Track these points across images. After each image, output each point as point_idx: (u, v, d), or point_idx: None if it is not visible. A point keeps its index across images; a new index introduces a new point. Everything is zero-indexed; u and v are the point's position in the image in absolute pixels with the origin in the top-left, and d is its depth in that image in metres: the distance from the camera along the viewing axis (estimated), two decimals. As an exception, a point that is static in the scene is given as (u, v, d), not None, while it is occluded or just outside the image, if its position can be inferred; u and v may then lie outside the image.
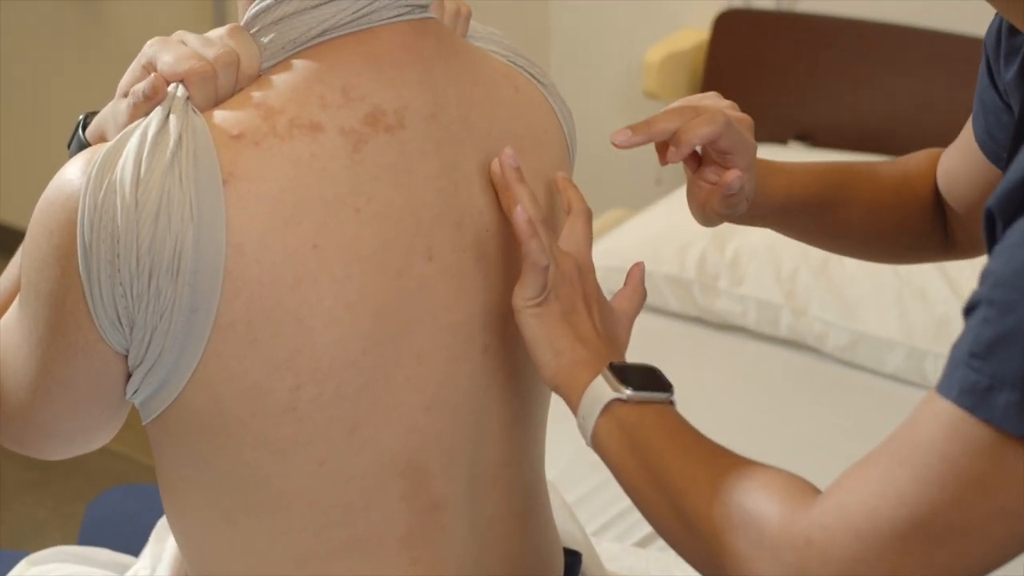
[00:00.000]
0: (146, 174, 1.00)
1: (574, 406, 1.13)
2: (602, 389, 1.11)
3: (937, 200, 1.45)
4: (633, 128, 1.24)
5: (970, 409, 0.88)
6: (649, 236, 2.74)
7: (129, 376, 1.09)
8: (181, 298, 1.02)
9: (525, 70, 1.23)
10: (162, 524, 1.49)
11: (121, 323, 1.04)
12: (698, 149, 1.28)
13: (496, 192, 1.16)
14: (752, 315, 2.54)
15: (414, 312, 1.11)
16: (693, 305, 2.62)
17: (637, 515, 1.94)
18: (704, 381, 2.41)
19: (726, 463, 1.06)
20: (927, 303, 2.42)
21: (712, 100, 1.30)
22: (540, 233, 1.10)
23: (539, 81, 1.24)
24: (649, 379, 1.12)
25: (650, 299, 2.63)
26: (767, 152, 3.00)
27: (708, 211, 1.30)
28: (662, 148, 1.27)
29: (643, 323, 2.70)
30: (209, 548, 1.18)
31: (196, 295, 1.02)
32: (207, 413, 1.07)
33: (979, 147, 1.35)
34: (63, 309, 1.05)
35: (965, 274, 2.43)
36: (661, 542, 1.88)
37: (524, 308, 1.12)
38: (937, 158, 1.46)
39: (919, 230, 1.46)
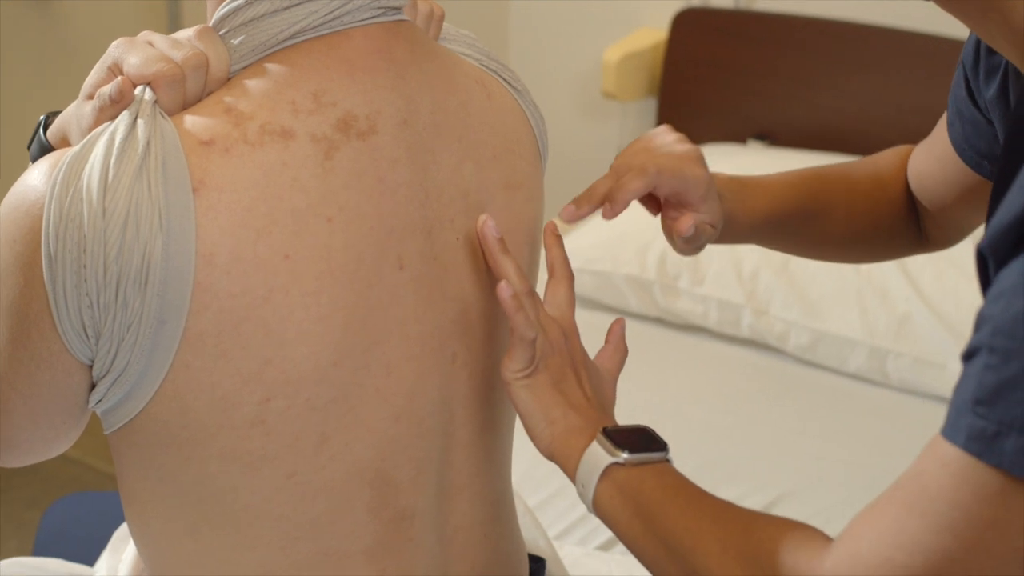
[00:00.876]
0: (114, 181, 0.98)
1: (571, 474, 1.14)
2: (598, 455, 1.12)
3: (909, 198, 1.46)
4: (576, 202, 1.26)
5: (978, 455, 0.88)
6: (609, 236, 2.73)
7: (93, 386, 1.07)
8: (149, 309, 1.00)
9: (498, 75, 1.22)
10: (119, 534, 1.48)
11: (87, 334, 1.02)
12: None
13: (468, 205, 1.15)
14: (713, 315, 2.54)
15: (384, 323, 1.09)
16: (654, 306, 2.62)
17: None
18: (666, 382, 2.41)
19: (731, 517, 1.07)
20: (888, 302, 2.43)
21: (661, 137, 1.34)
22: (526, 306, 1.12)
23: (512, 86, 1.23)
24: (643, 440, 1.14)
25: (610, 300, 2.63)
26: (727, 152, 3.03)
27: (676, 245, 1.33)
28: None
29: (603, 323, 2.70)
30: (172, 560, 1.16)
31: (165, 306, 1.00)
32: (174, 425, 1.05)
33: (956, 153, 1.35)
34: (26, 319, 1.03)
35: (926, 273, 2.43)
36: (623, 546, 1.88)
37: (514, 380, 1.14)
38: (907, 156, 1.47)
39: (895, 229, 1.48)
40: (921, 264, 2.45)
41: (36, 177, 1.02)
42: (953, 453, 0.89)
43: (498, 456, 1.25)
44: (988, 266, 0.93)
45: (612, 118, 3.51)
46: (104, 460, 3.29)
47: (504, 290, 1.11)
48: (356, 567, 1.14)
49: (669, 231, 1.32)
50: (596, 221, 2.88)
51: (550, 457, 1.16)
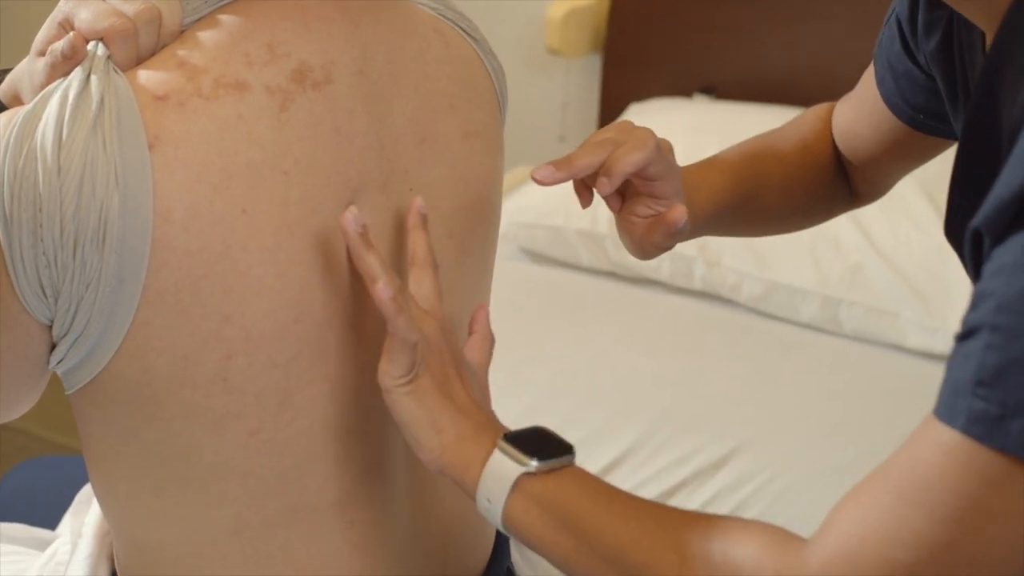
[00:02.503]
0: (68, 138, 0.97)
1: (470, 487, 1.05)
2: (504, 465, 1.03)
3: (837, 158, 1.44)
4: (556, 164, 1.18)
5: (980, 439, 0.84)
6: (560, 192, 2.71)
7: (53, 346, 1.06)
8: (108, 268, 0.99)
9: (455, 24, 1.21)
10: (81, 496, 1.47)
11: (45, 294, 1.01)
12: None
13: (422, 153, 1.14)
14: (665, 268, 2.55)
15: (343, 277, 1.08)
16: (606, 260, 2.62)
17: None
18: (619, 335, 2.41)
19: (680, 522, 0.99)
20: (840, 252, 2.44)
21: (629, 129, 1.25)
22: (405, 307, 1.04)
23: (470, 36, 1.22)
24: (547, 443, 1.05)
25: (562, 254, 2.64)
26: (673, 106, 3.03)
27: (647, 246, 1.25)
28: (581, 188, 1.23)
29: (556, 278, 2.71)
30: (139, 520, 1.16)
31: (123, 265, 0.99)
32: (136, 383, 1.04)
33: (889, 109, 1.33)
34: None
35: (878, 223, 2.44)
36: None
37: (395, 387, 1.05)
38: (829, 116, 1.45)
39: (828, 193, 1.46)
40: (873, 214, 2.46)
41: None
42: (952, 437, 0.85)
43: None
44: (982, 242, 0.89)
45: (556, 74, 3.50)
46: (51, 429, 3.28)
47: (382, 291, 1.02)
48: (325, 519, 1.14)
49: (634, 229, 1.24)
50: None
51: (440, 470, 1.06)
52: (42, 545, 1.52)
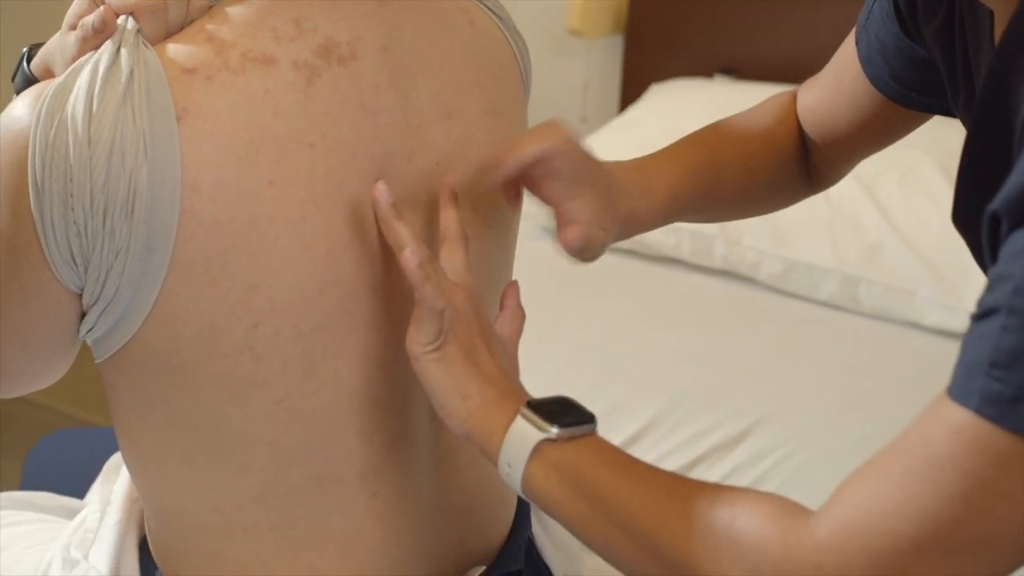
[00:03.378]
0: (98, 110, 0.99)
1: (493, 452, 1.06)
2: (525, 431, 1.04)
3: (799, 145, 1.43)
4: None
5: (994, 420, 0.84)
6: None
7: (83, 315, 1.08)
8: (136, 237, 1.01)
9: (481, 2, 1.22)
10: (110, 464, 1.49)
11: (75, 262, 1.03)
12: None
13: (452, 127, 1.15)
14: (686, 246, 2.55)
15: (368, 250, 1.10)
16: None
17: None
18: (639, 313, 2.42)
19: (691, 491, 1.00)
20: (859, 230, 2.45)
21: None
22: (432, 275, 1.06)
23: (495, 14, 1.24)
24: (569, 412, 1.06)
25: (584, 234, 2.64)
26: (694, 87, 3.04)
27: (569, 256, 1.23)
28: (508, 187, 1.20)
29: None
30: (167, 488, 1.18)
31: (151, 234, 1.01)
32: (164, 352, 1.06)
33: (875, 87, 1.32)
34: (15, 250, 1.04)
35: (896, 201, 2.45)
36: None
37: (422, 355, 1.07)
38: (791, 102, 1.44)
39: (787, 180, 1.44)
40: (891, 192, 2.47)
41: (21, 109, 1.03)
42: (964, 417, 0.85)
43: None
44: (999, 225, 0.89)
45: (578, 55, 3.51)
46: (77, 406, 3.30)
47: (409, 259, 1.04)
48: (349, 489, 1.16)
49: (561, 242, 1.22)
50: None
51: (466, 435, 1.08)
52: (70, 514, 1.54)
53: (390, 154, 1.10)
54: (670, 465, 1.91)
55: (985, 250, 0.92)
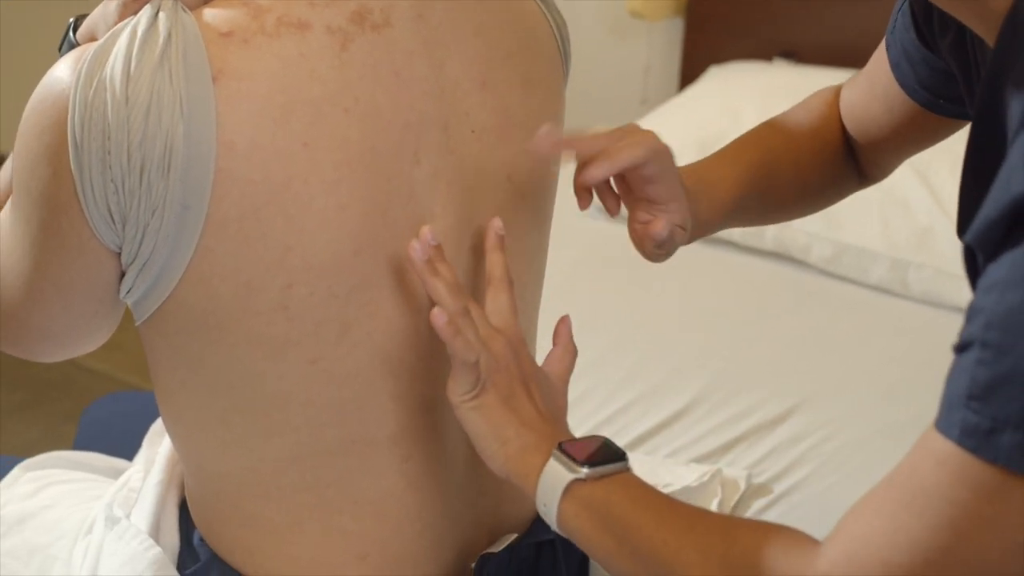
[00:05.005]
0: (136, 70, 1.01)
1: (530, 493, 1.10)
2: (558, 472, 1.08)
3: (845, 140, 1.44)
4: (566, 139, 1.20)
5: (973, 451, 0.86)
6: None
7: (123, 275, 1.10)
8: (172, 194, 1.03)
9: None
10: (155, 428, 1.51)
11: (113, 220, 1.05)
12: (615, 187, 1.25)
13: (487, 96, 1.16)
14: (738, 228, 2.55)
15: (403, 215, 1.11)
16: (679, 219, 2.62)
17: (624, 419, 1.98)
18: (688, 293, 2.43)
19: (709, 525, 1.04)
20: (910, 214, 2.44)
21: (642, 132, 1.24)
22: (464, 328, 1.09)
23: None
24: (601, 451, 1.10)
25: (636, 214, 2.65)
26: (753, 70, 3.03)
27: (646, 251, 1.27)
28: (581, 189, 1.22)
29: (628, 236, 2.71)
30: (205, 448, 1.20)
31: (187, 192, 1.03)
32: (200, 310, 1.09)
33: (905, 92, 1.33)
34: (55, 208, 1.06)
35: (948, 185, 2.44)
36: (646, 445, 1.91)
37: (461, 404, 1.11)
38: (835, 99, 1.45)
39: (839, 176, 1.46)
40: (943, 177, 2.46)
41: (62, 70, 1.05)
42: (947, 448, 0.88)
43: None
44: (975, 258, 0.91)
45: (639, 37, 3.51)
46: (135, 374, 3.35)
47: (439, 317, 1.08)
48: (381, 452, 1.18)
49: (640, 236, 1.25)
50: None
51: (506, 476, 1.12)
52: (118, 474, 1.57)
53: (424, 121, 1.12)
54: (709, 444, 1.91)
55: (969, 284, 0.95)
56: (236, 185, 1.04)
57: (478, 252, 1.19)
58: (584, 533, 1.08)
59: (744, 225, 1.44)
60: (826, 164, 1.43)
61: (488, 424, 1.11)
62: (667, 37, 3.48)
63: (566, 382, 1.20)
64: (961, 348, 0.88)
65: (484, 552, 1.27)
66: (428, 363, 1.17)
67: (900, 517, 0.91)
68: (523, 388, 1.14)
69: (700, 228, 1.29)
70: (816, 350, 2.21)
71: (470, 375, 1.10)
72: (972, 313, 0.87)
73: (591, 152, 1.20)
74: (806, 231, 2.48)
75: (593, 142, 1.20)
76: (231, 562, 1.23)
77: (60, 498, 1.49)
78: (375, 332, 1.13)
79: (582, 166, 1.21)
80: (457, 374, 1.11)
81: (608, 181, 1.25)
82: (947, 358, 0.93)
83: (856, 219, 2.45)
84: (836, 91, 1.46)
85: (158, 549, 1.27)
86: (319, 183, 1.06)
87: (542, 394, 1.16)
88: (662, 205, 1.23)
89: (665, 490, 1.54)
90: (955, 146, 2.45)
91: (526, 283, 1.26)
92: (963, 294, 2.33)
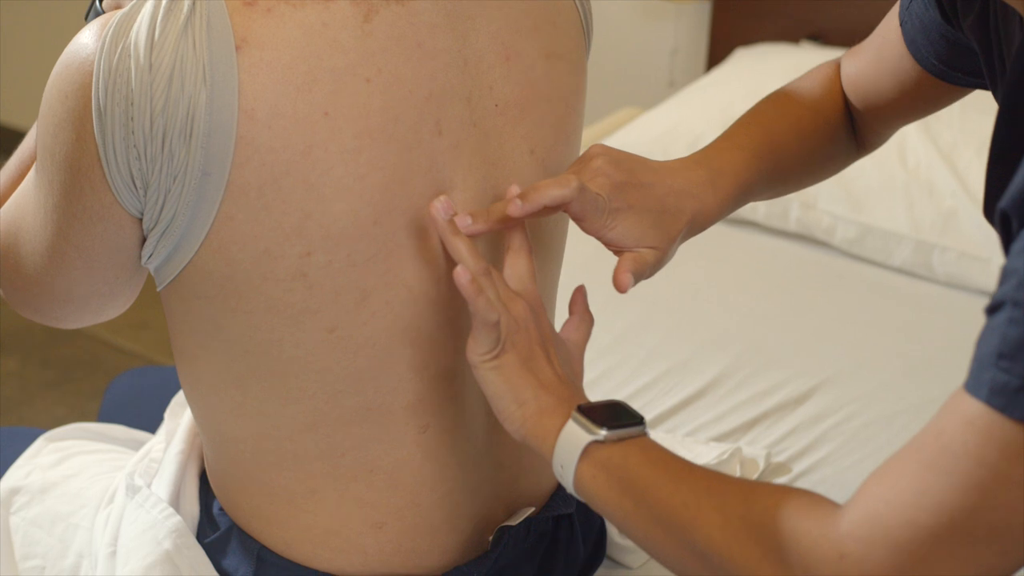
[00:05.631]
0: (160, 38, 1.02)
1: (547, 455, 1.11)
2: (576, 434, 1.09)
3: (845, 113, 1.45)
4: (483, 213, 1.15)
5: (1002, 410, 0.86)
6: (660, 132, 2.74)
7: (144, 241, 1.11)
8: (194, 161, 1.03)
9: None
10: (176, 400, 1.52)
11: (135, 185, 1.06)
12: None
13: (510, 70, 1.16)
14: (761, 209, 2.55)
15: (424, 186, 1.12)
16: (703, 200, 2.62)
17: (646, 397, 1.98)
18: (714, 275, 2.42)
19: (728, 487, 1.04)
20: (935, 196, 2.43)
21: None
22: (485, 288, 1.10)
23: None
24: (619, 414, 1.10)
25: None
26: (780, 52, 3.02)
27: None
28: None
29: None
30: (222, 413, 1.21)
31: (208, 158, 1.04)
32: (220, 276, 1.09)
33: (920, 65, 1.34)
34: (78, 173, 1.07)
35: (973, 168, 2.43)
36: (667, 423, 1.92)
37: (480, 363, 1.11)
38: (836, 71, 1.45)
39: (838, 149, 1.46)
40: (968, 159, 2.45)
41: (87, 36, 1.06)
42: (976, 408, 0.88)
43: None
44: (1010, 224, 0.92)
45: (666, 19, 3.51)
46: (164, 354, 3.37)
47: (462, 275, 1.08)
48: (398, 421, 1.18)
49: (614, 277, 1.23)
50: (646, 118, 2.89)
51: (523, 439, 1.12)
52: (139, 446, 1.59)
53: (447, 93, 1.12)
54: (732, 422, 1.91)
55: (1003, 249, 0.95)
56: (257, 153, 1.04)
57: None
58: (601, 495, 1.08)
59: (750, 202, 1.42)
60: (827, 139, 1.43)
61: (507, 384, 1.11)
62: (695, 19, 3.48)
63: (583, 350, 1.20)
64: (993, 309, 0.88)
65: (501, 524, 1.27)
66: (447, 333, 1.18)
67: (926, 478, 0.90)
68: (542, 350, 1.14)
69: (705, 220, 1.29)
70: (839, 332, 2.20)
71: (491, 334, 1.10)
72: (1006, 275, 0.88)
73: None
74: (831, 212, 2.48)
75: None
76: (249, 531, 1.24)
77: (82, 468, 1.50)
78: (394, 301, 1.13)
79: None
80: (478, 333, 1.10)
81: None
82: (970, 340, 0.93)
83: (881, 201, 2.45)
84: (836, 64, 1.47)
85: (178, 518, 1.28)
86: (339, 152, 1.06)
87: (560, 358, 1.16)
88: (607, 236, 1.21)
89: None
90: (980, 129, 2.47)
91: (544, 258, 1.26)
92: (987, 277, 2.33)
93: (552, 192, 1.14)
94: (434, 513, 1.23)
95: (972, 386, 0.89)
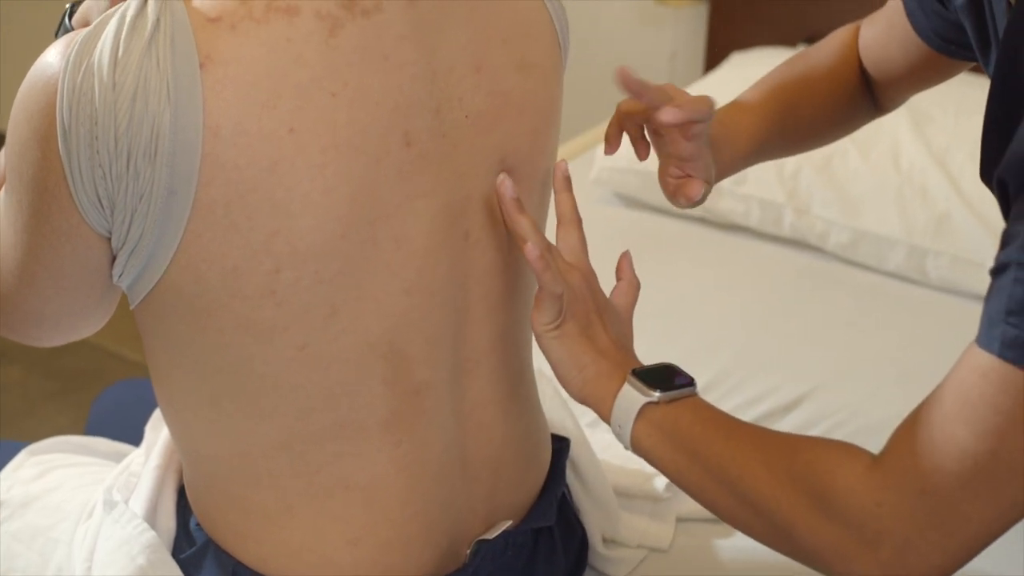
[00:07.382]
0: (124, 56, 1.01)
1: (605, 416, 1.19)
2: (632, 396, 1.17)
3: (861, 75, 1.51)
4: (638, 82, 1.26)
5: (1014, 362, 0.96)
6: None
7: (114, 260, 1.11)
8: (159, 180, 1.03)
9: None
10: (157, 414, 1.52)
11: (102, 205, 1.06)
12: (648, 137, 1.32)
13: (480, 83, 1.16)
14: (755, 214, 2.54)
15: (392, 197, 1.11)
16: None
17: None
18: (708, 281, 2.42)
19: (773, 442, 1.14)
20: (928, 201, 2.42)
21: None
22: (551, 263, 1.16)
23: None
24: (672, 376, 1.19)
25: (655, 199, 2.64)
26: (778, 56, 3.00)
27: (679, 205, 1.35)
28: (613, 136, 1.34)
29: (647, 224, 2.71)
30: (196, 431, 1.21)
31: (174, 177, 1.03)
32: (189, 294, 1.09)
33: (920, 38, 1.41)
34: (45, 192, 1.07)
35: (966, 172, 2.42)
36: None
37: (545, 333, 1.19)
38: (854, 37, 1.52)
39: (853, 112, 1.54)
40: (961, 163, 2.43)
41: (52, 56, 1.06)
42: (990, 361, 0.97)
43: (514, 333, 1.28)
44: (1007, 188, 1.00)
45: (664, 24, 3.50)
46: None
47: (532, 250, 1.14)
48: (372, 437, 1.18)
49: (673, 191, 1.33)
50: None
51: (583, 401, 1.20)
52: (122, 458, 1.58)
53: (415, 105, 1.12)
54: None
55: (1002, 214, 1.04)
56: (222, 170, 1.04)
57: (471, 237, 1.19)
58: (656, 452, 1.17)
59: (762, 160, 1.52)
60: (842, 103, 1.51)
61: (568, 352, 1.19)
62: (692, 24, 3.47)
63: (631, 313, 1.27)
64: (998, 271, 0.98)
65: (478, 538, 1.27)
66: (418, 346, 1.18)
67: (948, 428, 1.00)
68: (598, 318, 1.21)
69: (722, 173, 1.37)
70: (832, 336, 2.20)
71: (555, 305, 1.17)
72: (1008, 238, 0.98)
73: (660, 99, 1.26)
74: (824, 218, 2.47)
75: (660, 91, 1.27)
76: (225, 546, 1.24)
77: (63, 481, 1.50)
78: (363, 315, 1.13)
79: (650, 109, 1.27)
80: (543, 305, 1.17)
81: (642, 129, 1.33)
82: (964, 345, 1.00)
83: (874, 206, 2.44)
84: (856, 28, 1.54)
85: (152, 533, 1.28)
86: (305, 167, 1.06)
87: (612, 324, 1.22)
88: (691, 163, 1.30)
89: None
90: (973, 132, 2.43)
91: (521, 266, 1.26)
92: (981, 282, 2.31)
93: (705, 105, 1.26)
94: (409, 528, 1.22)
95: (984, 341, 0.98)
